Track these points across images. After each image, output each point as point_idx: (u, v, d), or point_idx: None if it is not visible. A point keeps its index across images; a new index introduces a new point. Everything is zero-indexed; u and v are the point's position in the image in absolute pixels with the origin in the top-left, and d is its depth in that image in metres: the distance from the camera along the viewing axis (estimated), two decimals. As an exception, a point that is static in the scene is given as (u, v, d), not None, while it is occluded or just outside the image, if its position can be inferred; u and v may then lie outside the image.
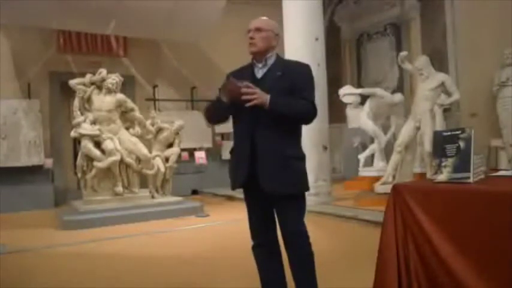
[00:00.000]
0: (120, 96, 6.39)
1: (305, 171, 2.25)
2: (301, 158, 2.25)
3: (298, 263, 2.23)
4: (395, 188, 2.00)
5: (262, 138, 2.12)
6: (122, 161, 6.19)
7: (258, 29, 2.21)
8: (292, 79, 2.16)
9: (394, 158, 6.14)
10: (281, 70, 2.20)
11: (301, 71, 2.24)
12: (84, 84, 6.26)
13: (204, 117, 2.43)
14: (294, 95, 2.13)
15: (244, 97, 2.02)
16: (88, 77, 6.31)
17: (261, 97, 2.04)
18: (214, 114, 2.33)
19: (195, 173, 8.88)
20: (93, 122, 6.18)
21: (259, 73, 2.25)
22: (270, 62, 2.25)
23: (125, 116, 6.51)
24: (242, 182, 2.21)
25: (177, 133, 7.13)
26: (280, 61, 2.28)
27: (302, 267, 2.23)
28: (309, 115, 2.16)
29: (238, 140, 2.25)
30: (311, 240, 2.25)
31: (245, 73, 2.27)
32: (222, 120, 2.37)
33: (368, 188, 6.82)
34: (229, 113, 2.25)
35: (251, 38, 2.21)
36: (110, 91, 6.26)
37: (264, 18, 2.30)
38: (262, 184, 2.12)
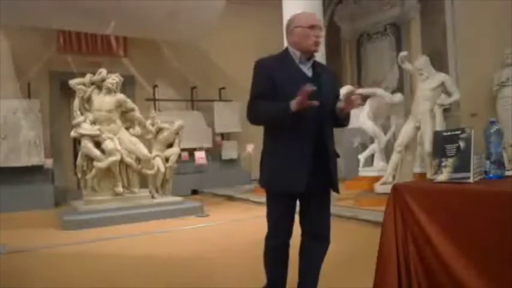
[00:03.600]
0: (120, 96, 6.39)
1: None
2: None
3: (315, 260, 2.28)
4: (395, 188, 2.00)
5: (327, 138, 2.19)
6: (122, 161, 6.19)
7: (321, 29, 2.20)
8: (333, 83, 2.28)
9: (394, 158, 6.14)
10: (325, 73, 2.25)
11: (334, 73, 2.41)
12: (84, 84, 6.25)
13: (248, 117, 2.18)
14: (332, 97, 2.23)
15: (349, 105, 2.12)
16: (88, 77, 6.30)
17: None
18: (272, 121, 2.14)
19: (195, 173, 8.89)
20: (93, 122, 6.17)
21: (309, 72, 2.21)
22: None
23: (125, 116, 6.51)
24: (306, 184, 2.08)
25: (177, 133, 7.13)
26: (316, 62, 2.27)
27: (316, 266, 2.29)
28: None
29: (297, 140, 2.11)
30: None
31: (291, 68, 2.17)
32: (278, 126, 2.16)
33: (368, 188, 6.81)
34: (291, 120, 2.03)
35: (317, 37, 2.15)
36: (110, 91, 6.25)
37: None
38: (334, 181, 2.22)
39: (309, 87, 1.93)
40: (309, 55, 2.19)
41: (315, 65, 2.24)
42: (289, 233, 2.26)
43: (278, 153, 2.16)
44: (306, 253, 2.29)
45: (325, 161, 2.16)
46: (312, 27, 2.14)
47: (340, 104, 2.13)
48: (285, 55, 2.22)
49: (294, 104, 1.97)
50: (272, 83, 2.12)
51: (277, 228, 2.25)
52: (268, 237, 2.29)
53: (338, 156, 2.31)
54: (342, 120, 2.22)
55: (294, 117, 2.00)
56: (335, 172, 2.24)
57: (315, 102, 1.97)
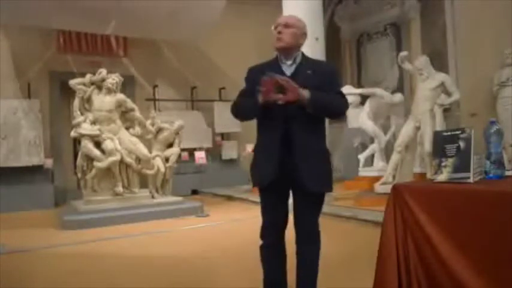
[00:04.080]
0: (120, 96, 6.39)
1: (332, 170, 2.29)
2: (330, 155, 2.29)
3: (308, 263, 2.25)
4: (395, 188, 2.00)
5: (297, 133, 2.11)
6: (121, 161, 6.19)
7: (286, 25, 2.18)
8: (322, 78, 2.17)
9: (394, 158, 6.14)
10: (311, 69, 2.19)
11: (330, 70, 2.30)
12: (84, 84, 6.25)
13: (231, 113, 2.31)
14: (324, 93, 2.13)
15: (282, 97, 1.98)
16: (88, 77, 6.31)
17: (299, 93, 2.02)
18: (244, 111, 2.26)
19: (195, 173, 8.88)
20: (93, 122, 6.17)
21: (288, 70, 2.21)
22: (298, 59, 2.23)
23: (125, 116, 6.51)
24: (272, 179, 2.13)
25: (177, 133, 7.13)
26: (308, 59, 2.26)
27: (309, 268, 2.26)
28: (345, 108, 2.22)
29: (268, 135, 2.18)
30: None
31: (272, 69, 2.20)
32: (250, 118, 2.29)
33: (368, 188, 6.81)
34: (260, 112, 2.14)
35: (279, 33, 2.17)
36: (110, 91, 6.26)
37: (294, 16, 2.30)
38: (303, 180, 2.10)
39: (268, 77, 1.97)
40: (285, 53, 2.21)
41: (303, 63, 2.22)
42: (280, 232, 2.27)
43: (257, 149, 2.28)
44: (298, 254, 2.28)
45: (294, 158, 2.11)
46: (275, 27, 2.20)
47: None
48: (274, 58, 2.29)
49: (260, 96, 2.05)
50: (252, 84, 2.21)
51: (267, 226, 2.28)
52: (261, 235, 2.30)
53: (327, 154, 2.25)
54: (313, 111, 2.08)
55: (263, 110, 2.09)
56: (310, 170, 2.11)
57: (279, 96, 2.00)
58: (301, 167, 2.10)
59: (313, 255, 2.26)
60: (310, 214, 2.24)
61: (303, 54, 2.26)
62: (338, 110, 2.22)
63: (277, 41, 2.18)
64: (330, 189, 2.25)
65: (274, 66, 2.23)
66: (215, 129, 10.02)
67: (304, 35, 2.24)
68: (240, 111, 2.29)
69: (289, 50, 2.20)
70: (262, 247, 2.31)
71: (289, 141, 2.11)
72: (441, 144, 1.97)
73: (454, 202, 1.78)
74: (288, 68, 2.21)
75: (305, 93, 2.03)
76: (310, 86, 2.09)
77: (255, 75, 2.24)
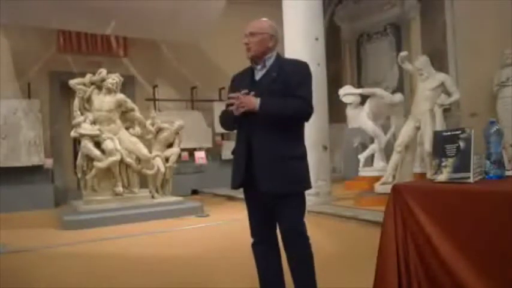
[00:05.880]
0: (120, 96, 6.39)
1: (304, 170, 2.25)
2: (300, 156, 2.24)
3: (297, 263, 2.24)
4: (395, 188, 2.00)
5: (258, 139, 2.16)
6: (122, 161, 6.19)
7: (252, 34, 2.22)
8: (286, 78, 2.17)
9: (394, 158, 6.13)
10: (277, 71, 2.20)
11: (297, 69, 2.24)
12: (84, 84, 6.25)
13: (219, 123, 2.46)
14: (289, 94, 2.13)
15: (233, 107, 2.09)
16: (88, 77, 6.31)
17: (249, 103, 2.08)
18: (225, 123, 2.39)
19: (195, 173, 8.88)
20: (93, 122, 6.18)
21: (258, 75, 2.26)
22: (269, 63, 2.25)
23: (125, 116, 6.51)
24: (239, 183, 2.27)
25: (177, 133, 7.13)
26: (280, 61, 2.28)
27: (301, 268, 2.24)
28: (303, 114, 2.17)
29: (237, 141, 2.30)
30: (311, 240, 2.26)
31: (246, 76, 2.30)
32: (232, 128, 2.40)
33: (368, 188, 6.81)
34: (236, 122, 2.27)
35: (246, 44, 2.24)
36: (110, 91, 6.26)
37: (260, 20, 2.30)
38: (259, 184, 2.15)
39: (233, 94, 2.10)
40: (256, 60, 2.26)
41: (274, 65, 2.24)
42: (267, 230, 2.32)
43: (233, 154, 2.37)
44: (286, 257, 2.27)
45: (254, 162, 2.15)
46: (245, 36, 2.25)
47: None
48: (250, 65, 2.33)
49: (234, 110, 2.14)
50: (233, 93, 2.32)
51: (253, 225, 2.37)
52: (250, 234, 2.40)
53: (294, 157, 2.20)
54: (266, 117, 2.13)
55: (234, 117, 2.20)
56: (264, 172, 2.13)
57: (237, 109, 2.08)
58: (257, 170, 2.15)
59: (300, 257, 2.24)
60: (288, 216, 2.22)
61: (277, 55, 2.28)
62: (295, 114, 2.15)
63: (246, 51, 2.25)
64: (293, 190, 2.19)
65: (248, 72, 2.31)
66: (215, 129, 10.01)
67: (273, 37, 2.25)
68: (223, 124, 2.42)
69: (260, 56, 2.24)
70: (252, 245, 2.38)
71: (252, 147, 2.17)
72: (441, 144, 1.97)
73: (454, 202, 1.78)
74: (259, 72, 2.26)
75: (255, 101, 2.09)
76: (275, 88, 2.14)
77: (233, 82, 2.37)
